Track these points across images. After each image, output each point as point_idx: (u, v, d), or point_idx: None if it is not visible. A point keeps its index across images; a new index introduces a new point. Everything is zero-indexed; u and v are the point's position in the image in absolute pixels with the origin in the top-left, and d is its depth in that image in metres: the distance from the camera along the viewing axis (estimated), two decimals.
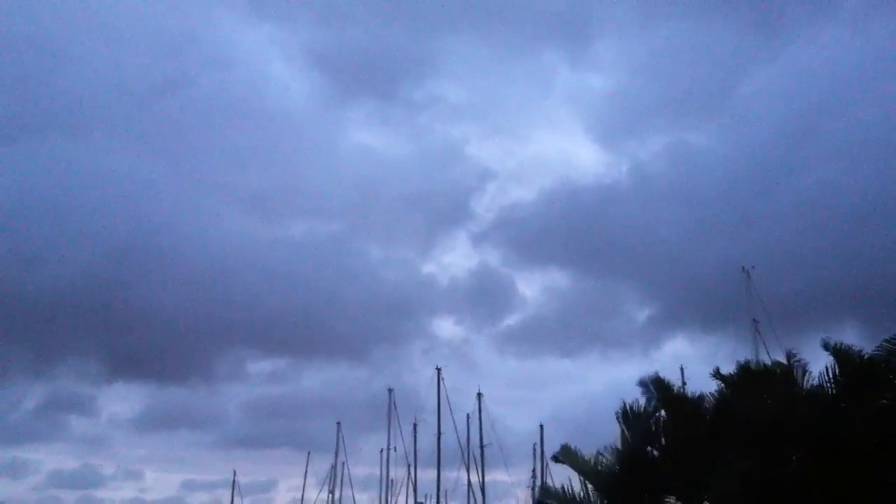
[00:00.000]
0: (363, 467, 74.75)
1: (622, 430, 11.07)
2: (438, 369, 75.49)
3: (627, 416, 11.06)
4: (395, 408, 78.85)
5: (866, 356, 9.28)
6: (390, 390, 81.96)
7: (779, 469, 9.58)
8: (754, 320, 47.17)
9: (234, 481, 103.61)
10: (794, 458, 9.55)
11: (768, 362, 11.49)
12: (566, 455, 11.21)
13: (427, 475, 74.78)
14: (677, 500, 10.77)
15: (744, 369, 10.20)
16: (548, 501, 11.26)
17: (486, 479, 56.62)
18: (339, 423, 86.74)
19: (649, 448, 11.05)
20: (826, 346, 9.53)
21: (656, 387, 11.18)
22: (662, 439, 10.98)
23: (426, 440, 69.54)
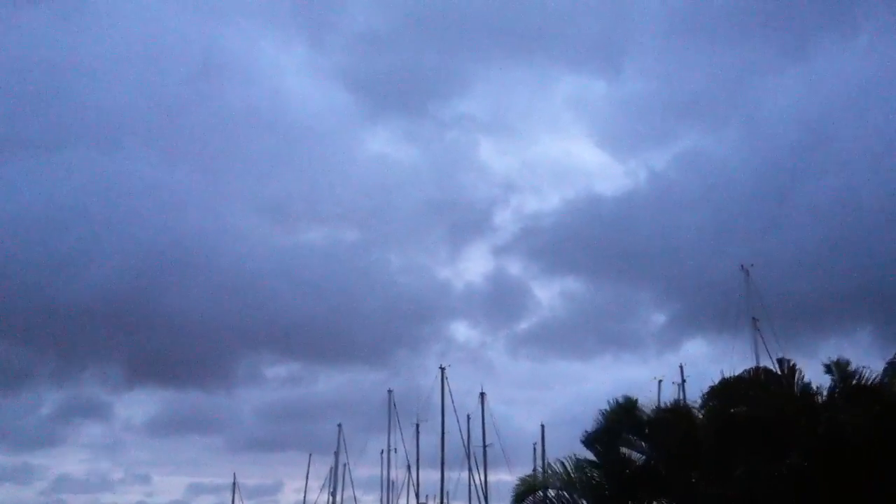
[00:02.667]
0: (369, 468, 74.82)
1: (596, 451, 10.79)
2: (442, 369, 75.20)
3: (591, 442, 10.78)
4: (396, 408, 78.82)
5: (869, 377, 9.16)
6: (390, 391, 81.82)
7: (774, 470, 9.36)
8: (754, 319, 47.02)
9: (234, 483, 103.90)
10: (787, 461, 9.31)
11: (768, 361, 11.25)
12: (533, 484, 10.91)
13: (429, 476, 74.72)
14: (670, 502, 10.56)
15: (724, 382, 10.02)
16: (531, 489, 10.93)
17: (492, 478, 56.54)
18: (339, 425, 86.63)
19: (637, 455, 10.80)
20: (829, 369, 9.41)
21: (622, 409, 10.94)
22: (651, 446, 10.73)
23: (432, 440, 69.46)
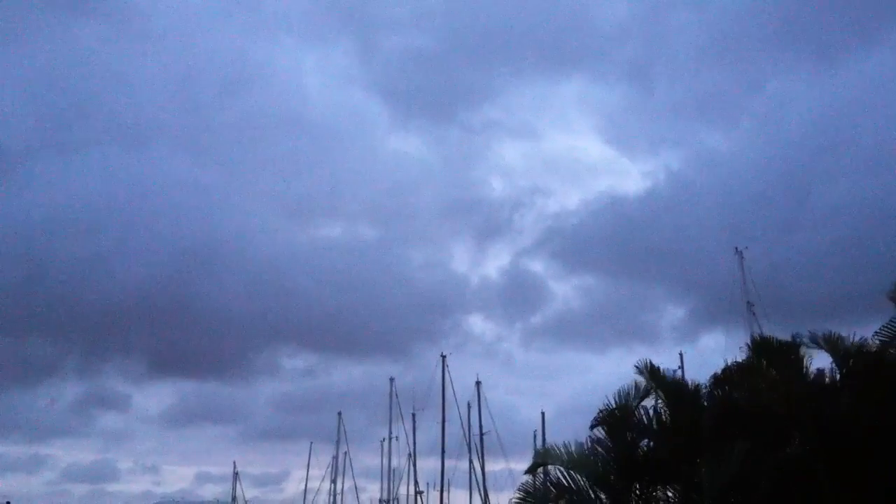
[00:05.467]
0: (374, 457, 75.12)
1: (605, 431, 10.88)
2: (443, 356, 75.21)
3: (605, 419, 10.88)
4: (398, 397, 78.85)
5: (865, 345, 9.17)
6: (391, 379, 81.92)
7: (780, 452, 9.44)
8: (749, 303, 47.10)
9: (234, 473, 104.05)
10: (795, 441, 9.37)
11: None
12: (545, 457, 11.00)
13: (429, 464, 74.85)
14: (672, 489, 10.60)
15: (726, 369, 10.03)
16: (542, 464, 11.01)
17: (494, 467, 56.75)
18: (339, 414, 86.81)
19: (643, 440, 10.87)
20: (816, 341, 9.42)
21: (650, 374, 11.03)
22: (658, 431, 10.79)
23: (433, 429, 69.52)
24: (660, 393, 10.74)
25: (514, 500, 11.46)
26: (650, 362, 11.07)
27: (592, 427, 10.93)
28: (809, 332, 9.81)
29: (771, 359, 9.75)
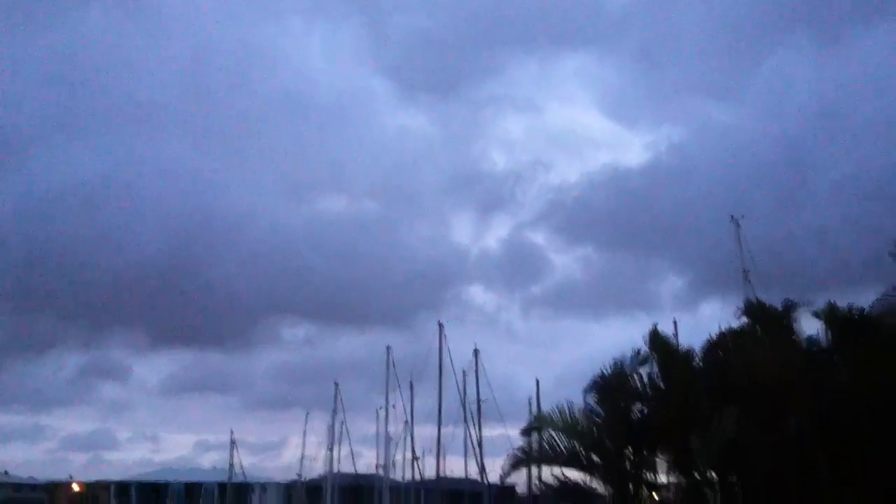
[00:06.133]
0: (372, 425, 75.82)
1: (597, 396, 10.96)
2: (440, 325, 75.41)
3: (601, 384, 10.96)
4: (394, 366, 79.24)
5: (858, 312, 9.16)
6: (388, 348, 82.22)
7: (775, 430, 9.46)
8: (744, 270, 47.12)
9: (231, 441, 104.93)
10: (791, 415, 9.39)
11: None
12: (542, 422, 11.12)
13: (426, 431, 75.38)
14: (665, 453, 10.67)
15: (720, 335, 10.04)
16: (539, 426, 11.12)
17: (489, 433, 57.18)
18: (336, 383, 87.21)
19: (637, 406, 10.92)
20: (816, 314, 9.41)
21: (651, 338, 11.07)
22: (651, 398, 10.85)
23: (431, 397, 69.91)
24: (655, 356, 10.79)
25: (508, 456, 11.65)
26: (656, 327, 11.13)
27: (586, 392, 11.01)
28: (803, 301, 9.78)
29: (763, 324, 9.76)
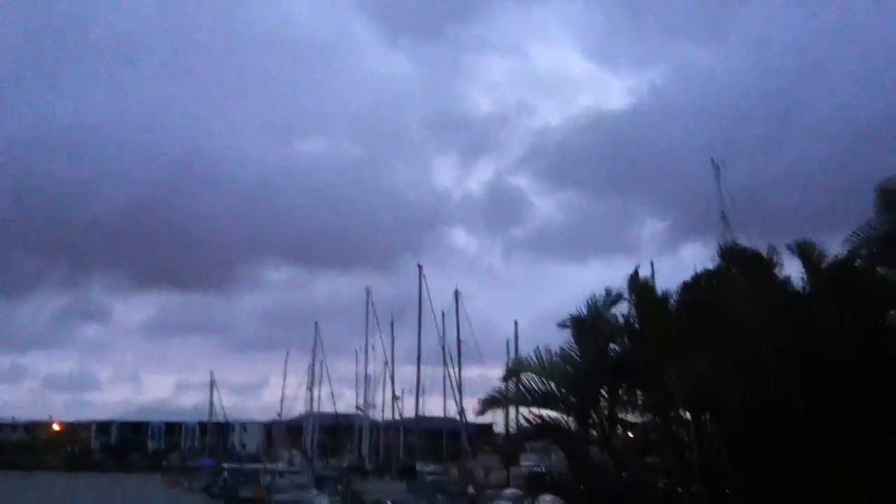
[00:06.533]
0: (351, 366, 76.42)
1: (573, 331, 11.03)
2: (420, 267, 76.04)
3: (578, 320, 11.03)
4: (374, 307, 79.70)
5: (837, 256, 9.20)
6: (367, 290, 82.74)
7: (751, 367, 9.54)
8: (723, 213, 47.39)
9: (211, 381, 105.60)
10: (766, 351, 9.46)
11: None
12: (519, 366, 11.20)
13: (405, 371, 76.06)
14: (641, 392, 10.76)
15: (696, 276, 10.06)
16: (518, 371, 11.24)
17: (471, 374, 57.90)
18: (316, 323, 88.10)
19: (612, 346, 10.99)
20: (794, 249, 9.39)
21: (632, 282, 11.09)
22: (626, 339, 10.91)
23: (411, 338, 70.33)
24: (632, 298, 10.84)
25: (483, 397, 11.76)
26: (637, 269, 11.14)
27: (561, 326, 11.07)
28: (780, 243, 9.78)
29: (739, 266, 9.77)
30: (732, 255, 9.98)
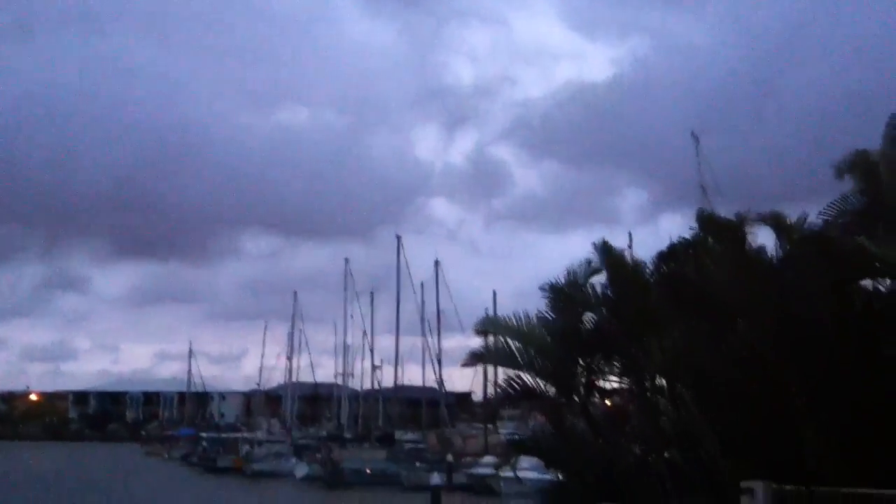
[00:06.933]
0: (330, 336, 76.68)
1: (551, 300, 11.17)
2: (398, 237, 75.99)
3: (555, 289, 11.17)
4: (353, 277, 79.67)
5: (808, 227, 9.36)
6: (346, 260, 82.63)
7: (726, 334, 9.71)
8: (702, 185, 47.69)
9: (189, 351, 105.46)
10: (741, 322, 9.64)
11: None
12: (489, 324, 11.36)
13: (385, 341, 76.26)
14: (616, 362, 10.91)
15: (671, 246, 10.19)
16: (489, 330, 11.40)
17: (451, 344, 58.25)
18: (295, 293, 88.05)
19: (590, 315, 11.12)
20: (764, 220, 9.53)
21: (602, 250, 11.21)
22: (603, 308, 11.04)
23: (390, 308, 70.36)
24: (606, 267, 10.96)
25: (467, 355, 11.98)
26: (604, 240, 11.24)
27: (541, 289, 11.21)
28: (755, 213, 9.91)
29: (715, 235, 9.91)
30: (709, 223, 10.10)
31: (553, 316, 10.87)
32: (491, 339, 11.58)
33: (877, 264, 9.19)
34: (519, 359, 10.65)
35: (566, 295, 10.92)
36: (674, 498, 8.81)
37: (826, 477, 7.42)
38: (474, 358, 11.79)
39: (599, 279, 11.31)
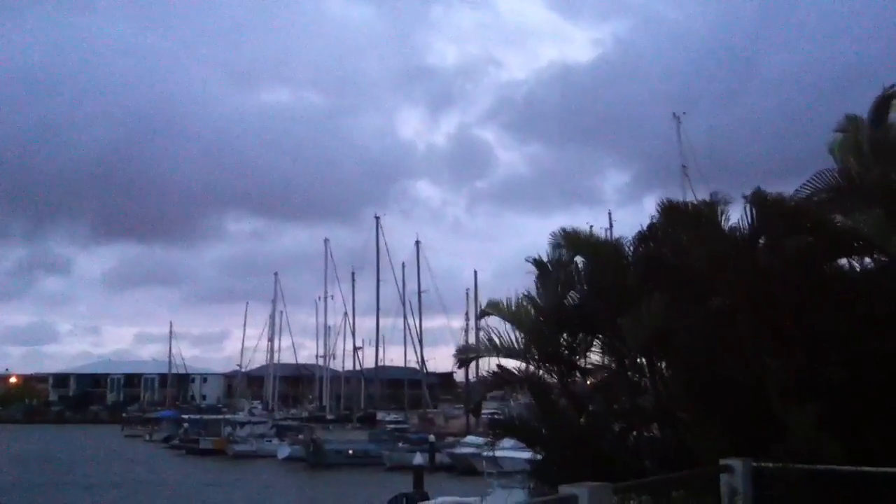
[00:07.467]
0: (312, 317, 76.48)
1: (536, 279, 11.24)
2: (377, 218, 75.86)
3: (541, 264, 11.24)
4: (332, 258, 79.47)
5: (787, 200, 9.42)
6: (326, 240, 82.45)
7: (702, 306, 9.78)
8: (683, 166, 47.90)
9: (170, 332, 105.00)
10: (716, 296, 9.73)
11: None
12: (492, 307, 11.44)
13: (366, 322, 76.09)
14: (598, 338, 10.98)
15: (667, 207, 10.19)
16: (490, 312, 11.52)
17: (434, 324, 58.50)
18: (276, 274, 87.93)
19: (573, 293, 11.17)
20: (744, 197, 9.57)
21: (567, 239, 11.24)
22: (585, 286, 11.09)
23: (371, 289, 70.09)
24: (580, 256, 11.07)
25: (458, 347, 12.06)
26: (564, 229, 11.24)
27: (527, 261, 11.26)
28: (728, 195, 9.97)
29: (680, 221, 9.99)
30: (672, 212, 10.15)
31: (538, 291, 10.97)
32: (483, 321, 11.71)
33: (855, 243, 9.28)
34: (506, 346, 10.73)
35: (550, 271, 11.01)
36: (653, 475, 8.88)
37: (805, 454, 7.50)
38: (464, 360, 11.87)
39: (580, 258, 11.36)
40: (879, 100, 10.42)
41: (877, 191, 9.16)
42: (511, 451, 16.30)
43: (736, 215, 9.80)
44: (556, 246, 11.23)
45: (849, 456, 7.43)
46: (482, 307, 12.12)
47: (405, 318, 66.74)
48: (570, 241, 11.10)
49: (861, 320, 8.58)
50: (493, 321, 11.33)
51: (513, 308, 10.91)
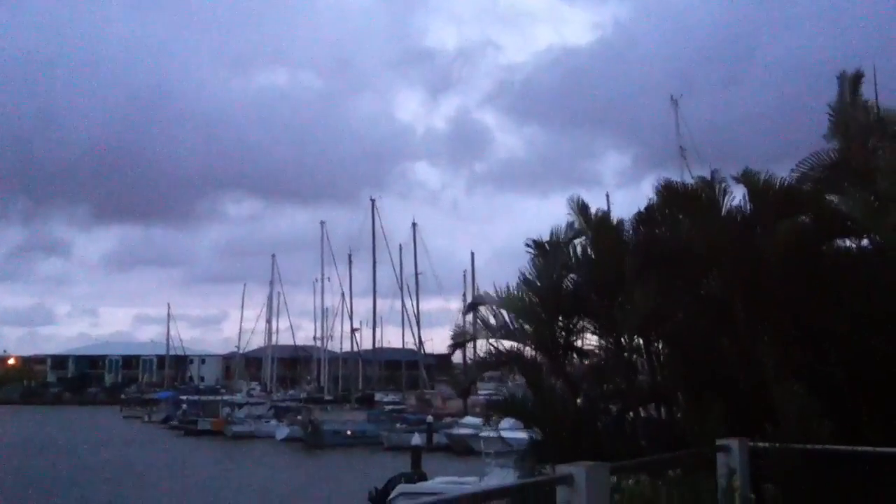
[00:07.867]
0: (309, 298, 76.65)
1: (533, 259, 11.24)
2: (373, 200, 75.95)
3: (540, 245, 11.26)
4: (329, 240, 79.52)
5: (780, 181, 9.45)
6: (322, 223, 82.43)
7: (697, 288, 9.82)
8: (681, 148, 47.84)
9: (168, 314, 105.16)
10: (712, 277, 9.77)
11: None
12: (483, 298, 11.46)
13: (364, 304, 76.30)
14: (593, 321, 11.01)
15: (665, 188, 10.19)
16: (479, 302, 11.54)
17: (430, 305, 58.62)
18: (273, 256, 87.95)
19: (570, 275, 11.19)
20: (736, 179, 9.59)
21: (579, 209, 11.26)
22: (584, 267, 11.11)
23: (368, 270, 70.17)
24: (587, 229, 11.02)
25: (452, 333, 12.08)
26: (581, 199, 11.26)
27: (526, 245, 11.27)
28: (723, 175, 9.98)
29: (677, 203, 10.01)
30: (669, 193, 10.17)
31: (536, 275, 10.97)
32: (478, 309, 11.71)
33: (848, 223, 9.31)
34: (501, 328, 10.77)
35: (549, 255, 11.01)
36: (649, 455, 8.94)
37: (800, 434, 7.56)
38: (458, 344, 11.93)
39: (580, 240, 11.37)
40: (851, 79, 10.42)
41: (862, 172, 9.20)
42: (509, 431, 16.40)
43: (736, 199, 9.84)
44: (573, 212, 11.21)
45: (843, 436, 7.49)
46: (478, 291, 12.10)
47: (402, 299, 66.91)
48: (582, 212, 11.12)
49: (859, 317, 8.62)
50: (489, 300, 11.36)
51: (505, 295, 10.92)
